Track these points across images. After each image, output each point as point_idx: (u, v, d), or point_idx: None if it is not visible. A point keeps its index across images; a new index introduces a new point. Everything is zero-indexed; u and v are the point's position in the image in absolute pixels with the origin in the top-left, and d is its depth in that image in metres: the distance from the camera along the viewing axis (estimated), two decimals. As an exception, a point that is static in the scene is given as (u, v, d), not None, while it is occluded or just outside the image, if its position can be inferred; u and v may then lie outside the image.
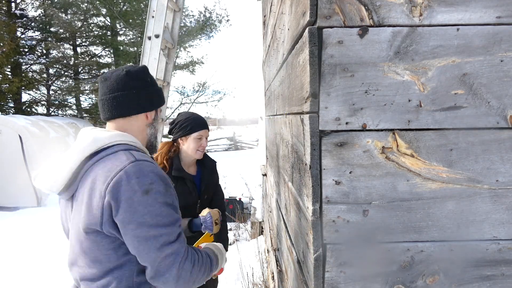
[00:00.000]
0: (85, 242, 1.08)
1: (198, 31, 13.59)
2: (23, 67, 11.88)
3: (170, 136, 2.07)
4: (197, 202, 2.01)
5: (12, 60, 10.64)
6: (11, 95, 11.15)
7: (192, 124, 1.95)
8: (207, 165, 2.11)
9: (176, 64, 13.49)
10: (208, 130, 2.05)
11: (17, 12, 11.16)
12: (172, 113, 15.11)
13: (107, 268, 1.09)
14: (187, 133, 1.94)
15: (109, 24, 13.02)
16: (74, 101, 13.32)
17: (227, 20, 14.25)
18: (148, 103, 1.22)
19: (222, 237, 2.08)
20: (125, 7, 12.46)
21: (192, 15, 14.12)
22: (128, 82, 1.18)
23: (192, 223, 1.85)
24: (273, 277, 2.59)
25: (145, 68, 1.25)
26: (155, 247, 1.03)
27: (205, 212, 1.84)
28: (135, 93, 1.18)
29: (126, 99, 1.17)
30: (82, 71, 12.92)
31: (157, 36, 3.46)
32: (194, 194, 1.98)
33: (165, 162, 1.95)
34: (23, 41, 11.72)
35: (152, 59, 3.47)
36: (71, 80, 12.54)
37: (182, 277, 1.07)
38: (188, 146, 1.96)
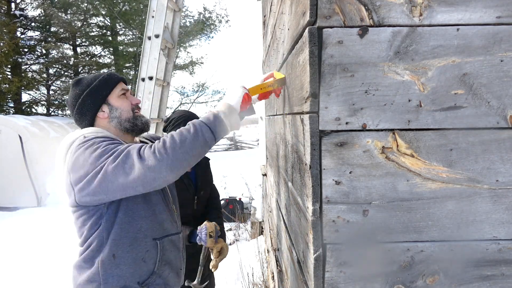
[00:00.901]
0: (72, 217, 1.26)
1: (198, 32, 13.59)
2: (23, 67, 11.87)
3: (164, 133, 2.08)
4: (194, 198, 2.03)
5: (12, 59, 10.63)
6: (11, 95, 11.14)
7: (187, 121, 1.95)
8: (201, 162, 2.13)
9: (176, 64, 13.49)
10: None
11: (17, 12, 11.15)
12: (172, 113, 15.08)
13: (83, 238, 1.24)
14: None
15: (108, 24, 13.01)
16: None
17: (227, 21, 14.25)
18: (90, 108, 1.32)
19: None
20: (125, 7, 12.45)
21: (192, 16, 14.11)
22: (71, 105, 1.35)
23: (192, 234, 1.87)
24: (273, 277, 2.59)
25: (73, 83, 1.37)
26: (98, 167, 1.08)
27: (203, 224, 1.83)
28: (77, 111, 1.33)
29: (78, 118, 1.34)
30: (82, 71, 12.91)
31: (157, 36, 3.46)
32: (191, 190, 2.01)
33: None
34: (22, 41, 11.72)
35: (152, 59, 3.47)
36: (71, 80, 12.53)
37: (147, 156, 1.02)
38: None
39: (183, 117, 2.03)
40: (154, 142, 1.10)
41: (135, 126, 1.35)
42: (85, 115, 1.32)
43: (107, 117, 1.33)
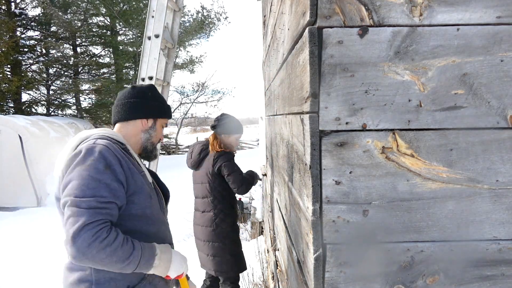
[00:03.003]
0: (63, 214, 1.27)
1: (197, 30, 13.58)
2: (23, 66, 11.87)
3: (212, 130, 2.79)
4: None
5: (11, 58, 10.63)
6: (10, 95, 11.14)
7: (237, 126, 2.77)
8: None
9: (176, 63, 13.49)
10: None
11: (17, 11, 11.15)
12: (172, 113, 15.06)
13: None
14: (233, 132, 2.75)
15: (108, 23, 13.00)
16: (74, 101, 13.32)
17: (226, 18, 14.22)
18: (143, 112, 1.43)
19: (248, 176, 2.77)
20: (124, 6, 12.45)
21: (191, 15, 14.10)
22: (130, 95, 1.43)
23: None
24: (273, 277, 2.60)
25: (150, 86, 1.50)
26: (68, 204, 1.12)
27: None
28: (132, 103, 1.42)
29: (124, 108, 1.42)
30: (82, 71, 12.91)
31: (157, 36, 3.46)
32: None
33: (219, 147, 2.67)
34: (22, 41, 11.71)
35: (152, 59, 3.47)
36: (71, 80, 12.53)
37: (77, 244, 1.07)
38: (231, 142, 2.74)
39: (235, 122, 2.77)
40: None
41: (149, 153, 1.47)
42: (135, 110, 1.41)
43: (144, 128, 1.44)
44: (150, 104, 1.44)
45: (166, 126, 1.56)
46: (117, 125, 1.45)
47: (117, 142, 1.32)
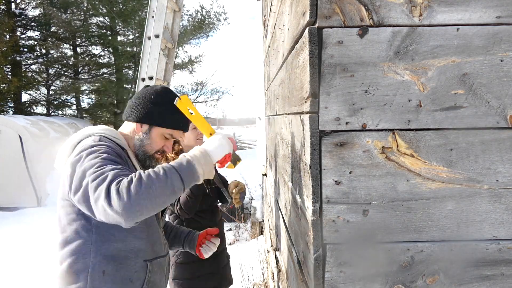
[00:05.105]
0: (59, 210, 1.21)
1: (196, 30, 13.57)
2: (23, 67, 11.87)
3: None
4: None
5: (10, 58, 10.62)
6: (11, 95, 11.14)
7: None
8: None
9: (175, 63, 13.50)
10: None
11: (17, 11, 11.16)
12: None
13: (65, 238, 1.19)
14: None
15: (108, 24, 13.01)
16: (74, 101, 13.32)
17: (225, 18, 14.20)
18: (137, 115, 1.33)
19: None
20: (124, 7, 12.45)
21: (190, 14, 14.09)
22: (138, 95, 1.38)
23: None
24: (273, 277, 2.59)
25: (160, 89, 1.37)
26: (84, 187, 1.03)
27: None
28: (134, 103, 1.36)
29: (128, 106, 1.38)
30: (81, 71, 12.90)
31: (157, 36, 3.46)
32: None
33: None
34: (22, 41, 11.71)
35: (152, 59, 3.47)
36: (71, 80, 12.53)
37: (119, 202, 0.95)
38: (189, 139, 2.11)
39: None
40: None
41: (141, 161, 1.35)
42: (131, 111, 1.35)
43: (137, 133, 1.34)
44: (148, 108, 1.32)
45: (172, 139, 1.37)
46: (124, 123, 1.41)
47: (118, 145, 1.27)
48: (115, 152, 1.17)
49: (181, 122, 1.36)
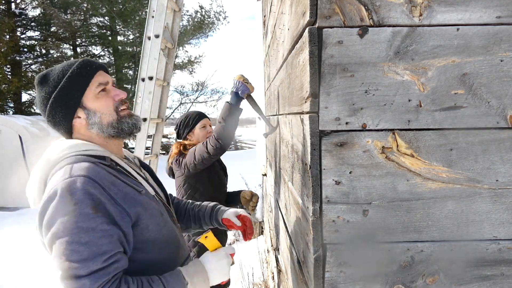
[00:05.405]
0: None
1: (196, 30, 13.57)
2: (23, 67, 11.88)
3: (179, 140, 2.28)
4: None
5: (10, 58, 10.62)
6: (11, 95, 11.14)
7: (191, 117, 2.23)
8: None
9: (175, 63, 13.50)
10: (209, 119, 2.29)
11: (17, 11, 11.16)
12: (172, 113, 15.08)
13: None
14: (191, 127, 2.21)
15: (108, 24, 13.01)
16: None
17: (225, 18, 14.20)
18: (58, 117, 1.07)
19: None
20: (124, 7, 12.45)
21: (189, 14, 14.09)
22: (38, 106, 1.11)
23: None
24: (273, 277, 2.59)
25: (39, 79, 1.08)
26: (63, 276, 0.89)
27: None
28: (46, 117, 1.08)
29: (49, 125, 1.11)
30: (82, 71, 12.90)
31: (157, 36, 3.45)
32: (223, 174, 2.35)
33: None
34: (22, 41, 11.72)
35: (152, 59, 3.47)
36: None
37: None
38: (198, 137, 2.20)
39: (187, 117, 2.24)
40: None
41: (121, 131, 1.10)
42: (59, 124, 1.08)
43: (85, 124, 1.07)
44: (55, 102, 1.05)
45: (105, 83, 1.10)
46: (66, 140, 1.11)
47: (97, 158, 1.04)
48: (94, 203, 0.92)
49: (86, 69, 1.07)
